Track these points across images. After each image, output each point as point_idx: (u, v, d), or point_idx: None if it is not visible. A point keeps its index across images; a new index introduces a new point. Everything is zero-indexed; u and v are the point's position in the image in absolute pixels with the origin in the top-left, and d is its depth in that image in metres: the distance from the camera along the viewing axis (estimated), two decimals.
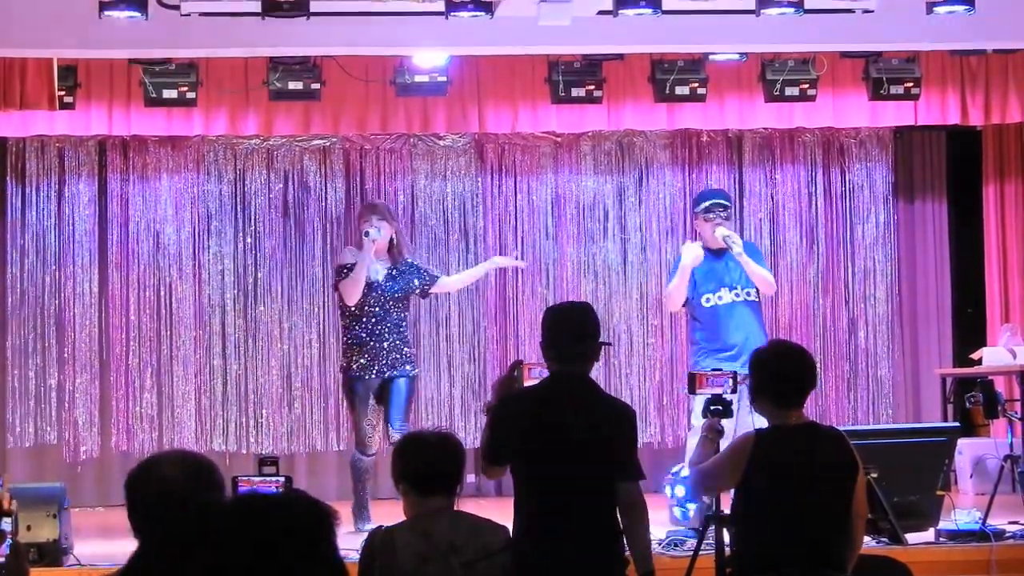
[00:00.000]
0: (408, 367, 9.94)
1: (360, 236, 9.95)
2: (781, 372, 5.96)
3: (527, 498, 5.86)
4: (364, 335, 9.89)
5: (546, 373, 6.18)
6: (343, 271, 9.94)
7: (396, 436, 9.45)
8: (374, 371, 9.84)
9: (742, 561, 5.98)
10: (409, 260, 10.18)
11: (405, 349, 9.96)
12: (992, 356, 11.60)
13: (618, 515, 5.90)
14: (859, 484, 6.02)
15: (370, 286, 9.87)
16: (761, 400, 5.97)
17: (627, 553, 5.98)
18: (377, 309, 9.90)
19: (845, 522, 5.92)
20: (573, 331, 6.00)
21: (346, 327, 10.03)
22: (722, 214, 10.03)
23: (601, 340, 6.06)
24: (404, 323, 10.04)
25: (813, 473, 5.83)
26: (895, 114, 11.98)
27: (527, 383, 6.46)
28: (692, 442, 9.20)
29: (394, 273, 9.98)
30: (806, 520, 5.80)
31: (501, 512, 5.73)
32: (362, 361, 9.86)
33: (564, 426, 5.83)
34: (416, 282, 10.09)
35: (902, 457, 8.72)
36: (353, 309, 9.90)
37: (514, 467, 5.94)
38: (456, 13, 9.23)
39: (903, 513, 8.60)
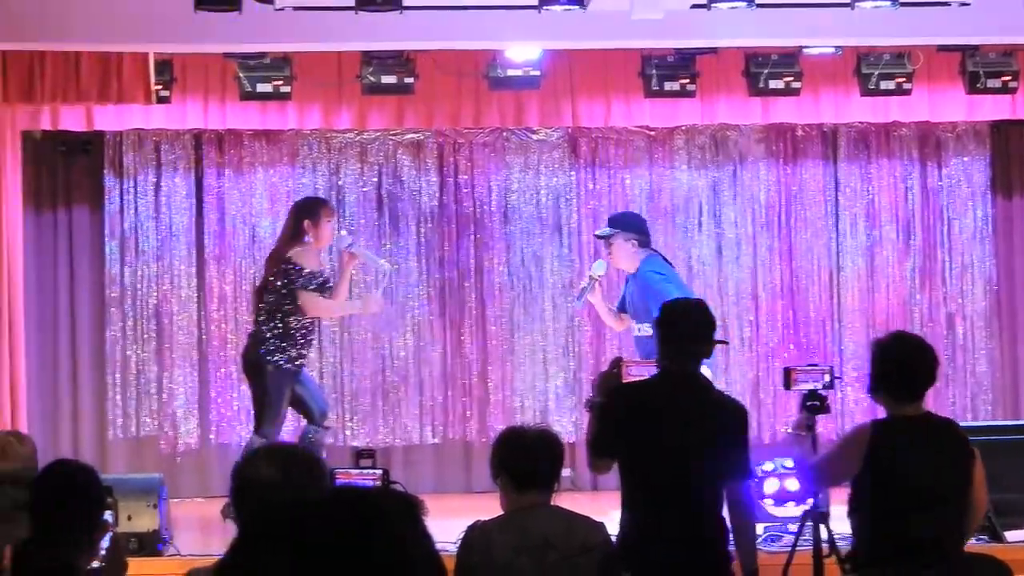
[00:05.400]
0: None
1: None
2: (908, 364, 5.85)
3: (634, 494, 5.85)
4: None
5: (645, 372, 6.16)
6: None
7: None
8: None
9: (862, 553, 5.88)
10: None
11: None
12: None
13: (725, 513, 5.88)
14: (977, 471, 5.93)
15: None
16: (882, 390, 5.86)
17: (732, 550, 5.96)
18: None
19: (963, 512, 5.81)
20: (691, 329, 5.98)
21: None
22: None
23: (717, 338, 6.03)
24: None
25: (931, 463, 5.74)
26: (992, 108, 11.85)
27: (626, 380, 6.47)
28: None
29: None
30: (925, 511, 5.71)
31: (596, 507, 5.73)
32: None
33: (673, 423, 5.81)
34: None
35: (1002, 454, 8.64)
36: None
37: (621, 462, 5.92)
38: (549, 7, 9.22)
39: (1003, 510, 8.52)
